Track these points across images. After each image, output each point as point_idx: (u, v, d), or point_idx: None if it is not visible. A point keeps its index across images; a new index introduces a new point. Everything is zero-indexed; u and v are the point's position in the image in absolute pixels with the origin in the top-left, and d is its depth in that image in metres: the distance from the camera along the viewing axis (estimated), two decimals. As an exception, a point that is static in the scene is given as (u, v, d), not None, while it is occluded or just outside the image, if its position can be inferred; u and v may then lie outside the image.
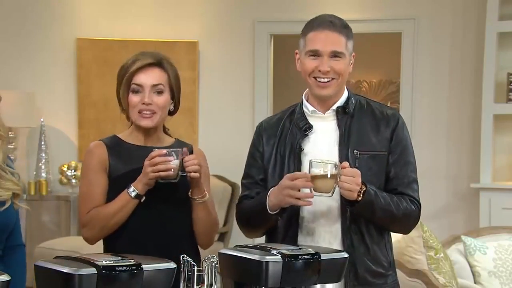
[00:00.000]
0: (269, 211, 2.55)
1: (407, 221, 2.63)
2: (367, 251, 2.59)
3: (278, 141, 2.67)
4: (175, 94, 2.72)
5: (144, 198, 2.61)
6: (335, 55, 2.57)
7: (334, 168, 2.43)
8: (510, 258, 4.28)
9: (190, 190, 2.65)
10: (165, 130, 2.81)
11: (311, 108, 2.66)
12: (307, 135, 2.63)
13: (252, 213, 2.64)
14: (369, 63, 8.22)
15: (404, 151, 2.64)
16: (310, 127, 2.63)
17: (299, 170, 2.58)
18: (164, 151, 2.56)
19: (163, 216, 2.66)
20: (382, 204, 2.53)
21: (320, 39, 2.57)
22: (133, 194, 2.59)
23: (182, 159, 2.57)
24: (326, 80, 2.58)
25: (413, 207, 2.61)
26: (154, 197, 2.62)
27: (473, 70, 6.22)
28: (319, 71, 2.57)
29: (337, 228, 2.59)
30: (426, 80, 6.38)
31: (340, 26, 2.58)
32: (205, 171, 2.70)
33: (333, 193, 2.46)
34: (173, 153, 2.56)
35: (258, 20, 6.61)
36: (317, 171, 2.43)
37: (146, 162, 2.56)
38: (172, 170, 2.55)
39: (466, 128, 6.29)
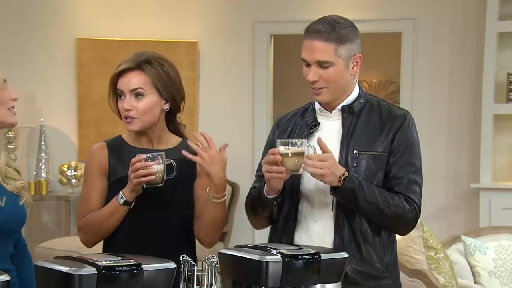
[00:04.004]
0: (264, 195, 2.57)
1: (399, 220, 2.58)
2: (357, 250, 2.56)
3: (287, 137, 2.68)
4: (167, 93, 2.65)
5: (133, 204, 2.58)
6: (321, 64, 2.56)
7: (297, 146, 2.45)
8: (510, 258, 4.28)
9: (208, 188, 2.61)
10: (175, 130, 2.76)
11: (318, 106, 2.67)
12: (312, 132, 2.64)
13: (253, 200, 2.67)
14: (369, 63, 8.13)
15: (406, 152, 2.62)
16: (316, 124, 2.65)
17: None
18: (144, 156, 2.52)
19: (153, 221, 2.63)
20: (367, 195, 2.50)
21: (307, 48, 2.57)
22: (121, 201, 2.57)
23: (168, 163, 2.53)
24: (317, 87, 2.59)
25: (407, 206, 2.56)
26: (142, 202, 2.59)
27: (473, 70, 6.22)
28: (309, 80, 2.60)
29: (331, 225, 2.59)
30: (426, 80, 6.38)
31: (327, 32, 2.53)
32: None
33: (301, 170, 2.48)
34: (158, 157, 2.52)
35: (258, 20, 6.61)
36: (282, 149, 2.46)
37: (130, 169, 2.53)
38: (155, 175, 2.51)
39: (466, 128, 6.29)
